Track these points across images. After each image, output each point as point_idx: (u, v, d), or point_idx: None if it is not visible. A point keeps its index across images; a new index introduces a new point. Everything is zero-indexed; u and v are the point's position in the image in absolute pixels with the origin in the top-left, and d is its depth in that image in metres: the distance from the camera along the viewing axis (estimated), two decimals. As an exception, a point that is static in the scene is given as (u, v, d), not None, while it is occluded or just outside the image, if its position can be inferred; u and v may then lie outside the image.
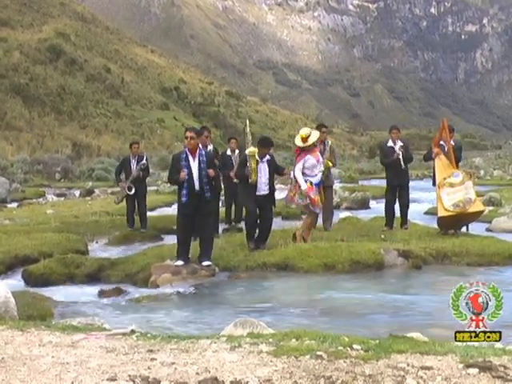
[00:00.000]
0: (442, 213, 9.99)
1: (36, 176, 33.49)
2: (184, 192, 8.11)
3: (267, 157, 9.18)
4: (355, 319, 5.91)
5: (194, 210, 8.12)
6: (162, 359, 3.53)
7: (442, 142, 10.61)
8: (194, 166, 8.11)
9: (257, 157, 9.04)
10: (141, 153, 12.62)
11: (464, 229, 10.51)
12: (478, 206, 10.13)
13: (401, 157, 10.91)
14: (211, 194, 8.22)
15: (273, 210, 9.42)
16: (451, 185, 9.93)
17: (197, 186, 8.08)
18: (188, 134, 8.19)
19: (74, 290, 7.82)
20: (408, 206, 11.19)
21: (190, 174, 8.08)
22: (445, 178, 10.03)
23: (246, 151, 9.24)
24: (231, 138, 12.55)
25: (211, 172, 8.11)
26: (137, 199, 12.18)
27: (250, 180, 9.01)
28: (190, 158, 8.14)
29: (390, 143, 11.12)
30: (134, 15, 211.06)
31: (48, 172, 34.97)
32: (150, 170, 13.55)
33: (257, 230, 9.25)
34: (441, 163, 10.35)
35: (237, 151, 12.00)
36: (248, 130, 9.89)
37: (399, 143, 11.06)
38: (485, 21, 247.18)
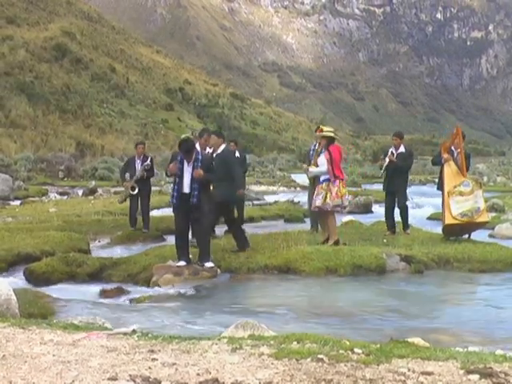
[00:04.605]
0: (449, 220, 9.96)
1: (39, 174, 33.47)
2: (174, 194, 8.27)
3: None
4: (356, 323, 5.90)
5: (185, 211, 8.19)
6: (163, 359, 3.53)
7: (452, 148, 10.55)
8: (188, 169, 8.19)
9: None
10: (146, 153, 12.63)
11: (465, 235, 10.48)
12: (484, 217, 10.12)
13: (384, 164, 10.96)
14: (199, 199, 8.12)
15: None
16: (461, 193, 9.90)
17: (186, 189, 8.16)
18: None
19: (75, 289, 7.82)
20: (403, 212, 11.07)
21: (181, 176, 8.19)
22: (455, 187, 9.99)
23: None
24: (231, 141, 12.53)
25: (196, 173, 8.06)
26: (140, 199, 12.19)
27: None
28: (185, 161, 8.23)
29: (391, 149, 11.14)
30: (140, 15, 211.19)
31: (51, 170, 34.99)
32: (154, 171, 13.55)
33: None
34: (450, 170, 10.28)
35: (236, 154, 11.98)
36: None
37: (401, 150, 11.02)
38: (490, 27, 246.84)
